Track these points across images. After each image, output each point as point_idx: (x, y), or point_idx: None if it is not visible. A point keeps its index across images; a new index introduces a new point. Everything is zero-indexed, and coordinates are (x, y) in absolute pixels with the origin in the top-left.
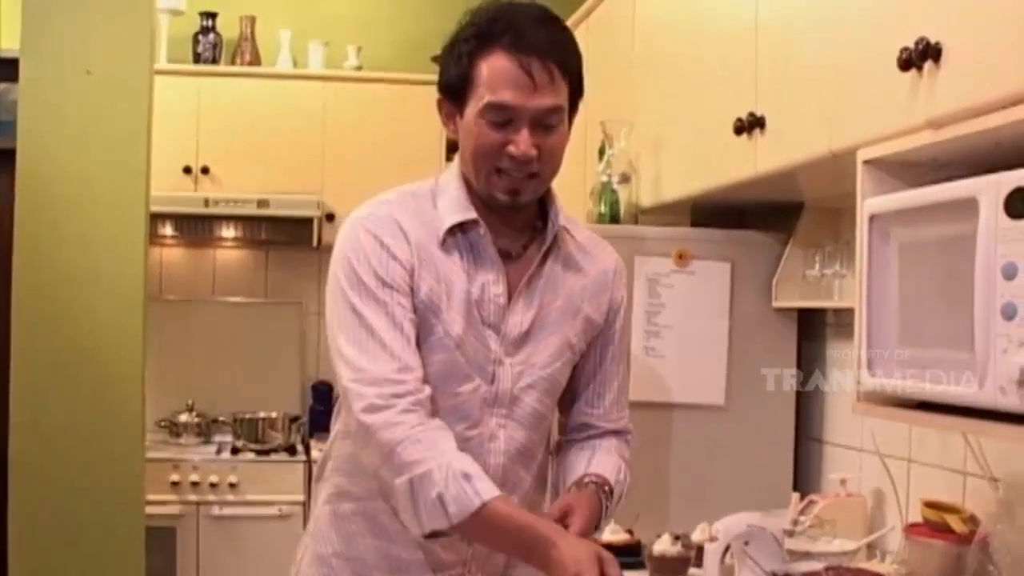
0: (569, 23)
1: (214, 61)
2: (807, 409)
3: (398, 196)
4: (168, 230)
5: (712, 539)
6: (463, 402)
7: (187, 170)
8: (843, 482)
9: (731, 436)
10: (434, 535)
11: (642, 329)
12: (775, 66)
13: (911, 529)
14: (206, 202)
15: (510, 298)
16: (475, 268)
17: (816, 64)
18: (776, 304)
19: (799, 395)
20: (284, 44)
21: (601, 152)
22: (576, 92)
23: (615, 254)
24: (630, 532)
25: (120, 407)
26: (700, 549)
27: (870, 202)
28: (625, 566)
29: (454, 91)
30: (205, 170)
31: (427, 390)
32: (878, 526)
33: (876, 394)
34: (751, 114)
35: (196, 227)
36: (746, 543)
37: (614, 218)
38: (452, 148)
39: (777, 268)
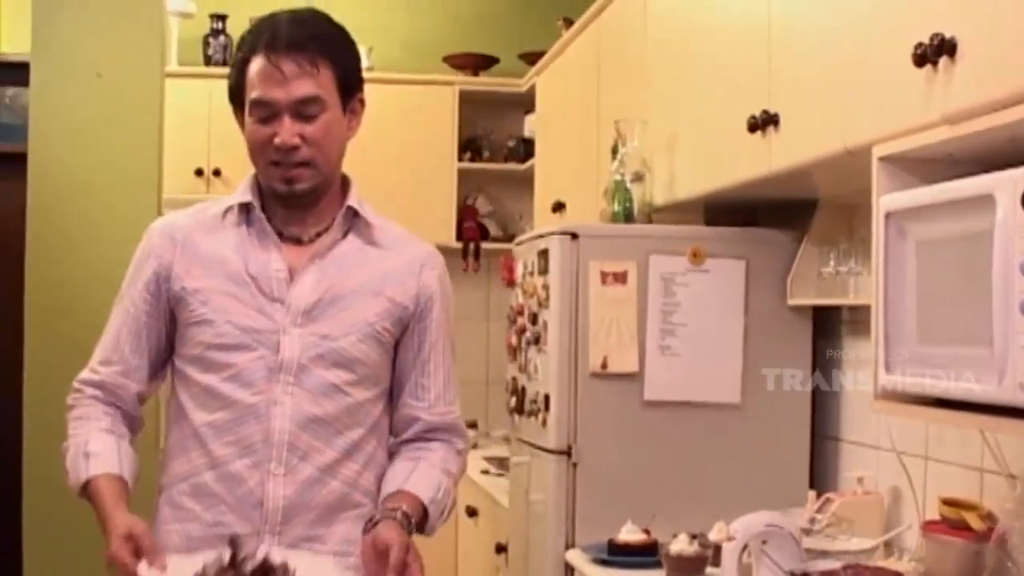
0: (579, 23)
1: (225, 63)
2: (823, 407)
3: (203, 204)
4: None
5: (730, 538)
6: (242, 370)
7: (199, 172)
8: (860, 480)
9: (747, 434)
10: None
11: (657, 328)
12: (788, 63)
13: (929, 527)
14: None
15: (293, 275)
16: (256, 248)
17: (830, 61)
18: (791, 302)
19: (815, 393)
20: None
21: (614, 151)
22: (347, 82)
23: (430, 248)
24: (647, 532)
25: None
26: (717, 548)
27: (886, 199)
28: (642, 566)
29: (235, 98)
30: (217, 172)
31: (120, 381)
32: (895, 524)
33: (894, 392)
34: (765, 111)
35: None
36: (764, 542)
37: (628, 217)
38: (464, 147)
39: (792, 266)
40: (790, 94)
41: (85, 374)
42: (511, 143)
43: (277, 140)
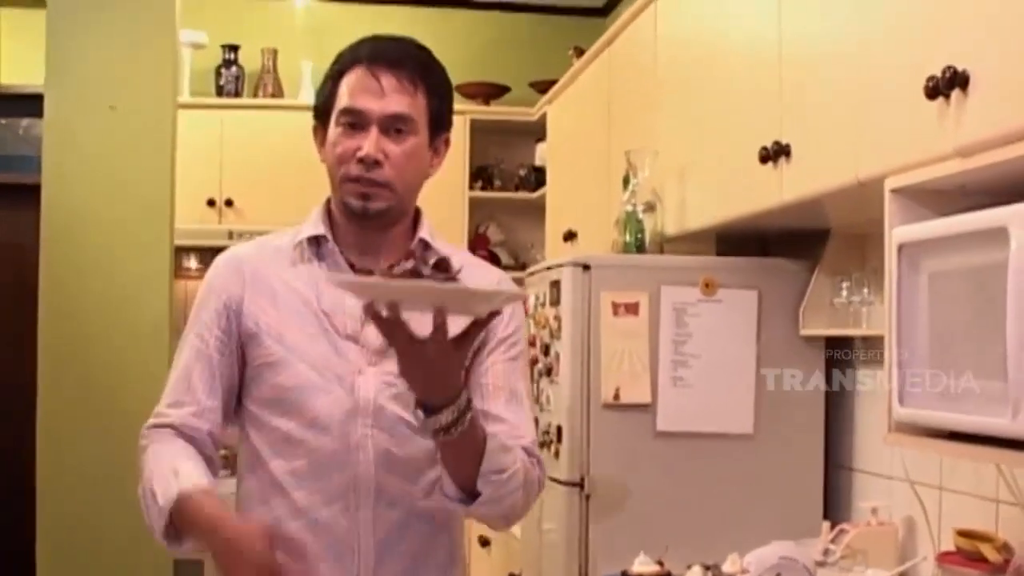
0: (590, 52)
1: (236, 94)
2: (836, 437)
3: (267, 236)
4: (193, 263)
5: (743, 571)
6: (321, 414)
7: (211, 203)
8: (874, 511)
9: (760, 465)
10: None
11: (670, 359)
12: (800, 94)
13: (944, 558)
14: (230, 234)
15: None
16: (329, 284)
17: (842, 91)
18: (804, 332)
19: (827, 423)
20: (306, 75)
21: (626, 181)
22: (439, 116)
23: (502, 275)
24: (660, 563)
25: None
26: None
27: (899, 231)
28: None
29: (322, 114)
30: (229, 202)
31: (194, 423)
32: (910, 555)
33: (907, 424)
34: (777, 142)
35: None
36: (778, 575)
37: (640, 247)
38: (475, 176)
39: (804, 296)
40: (802, 125)
41: (154, 419)
42: (522, 172)
43: (361, 152)
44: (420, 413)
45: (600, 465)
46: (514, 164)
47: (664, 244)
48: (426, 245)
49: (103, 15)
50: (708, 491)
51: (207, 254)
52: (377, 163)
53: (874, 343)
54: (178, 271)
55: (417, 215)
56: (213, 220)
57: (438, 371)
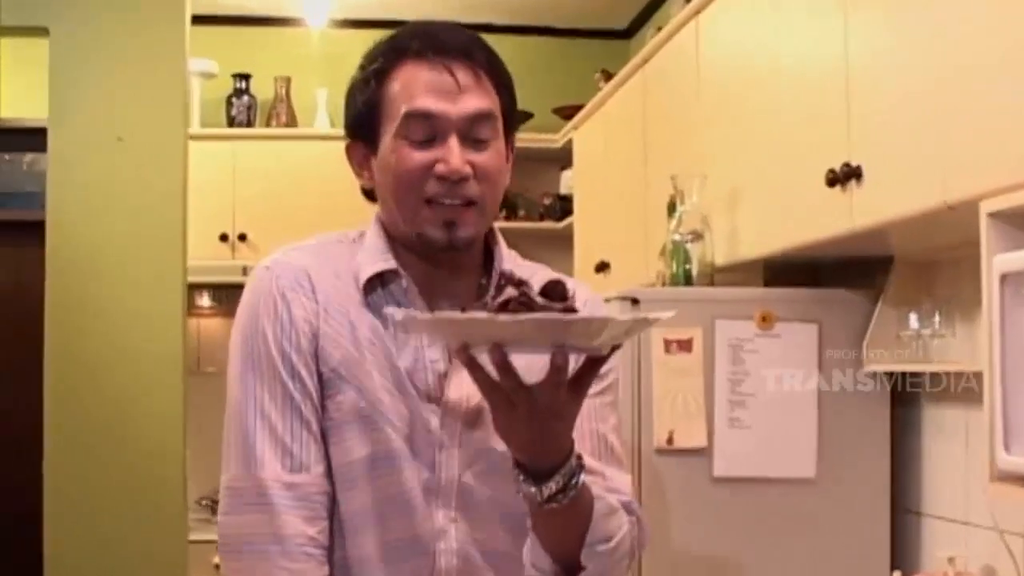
0: (622, 74)
1: (249, 124)
2: (903, 480)
3: (316, 242)
4: (206, 300)
5: None
6: (398, 493)
7: (223, 237)
8: (951, 560)
9: (823, 511)
10: None
11: (726, 399)
12: (871, 112)
13: None
14: (244, 270)
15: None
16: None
17: (922, 107)
18: (868, 368)
19: (894, 465)
20: (321, 104)
21: (671, 208)
22: (510, 115)
23: (591, 294)
24: None
25: (161, 488)
26: None
27: (1000, 259)
28: None
29: (364, 126)
30: (242, 237)
31: (324, 485)
32: None
33: (1014, 475)
34: (846, 164)
35: (234, 296)
36: None
37: (687, 279)
38: (505, 204)
39: (867, 329)
40: (875, 145)
41: (281, 491)
42: (547, 201)
43: (442, 167)
44: (521, 479)
45: (653, 514)
46: (538, 193)
47: (714, 275)
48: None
49: (109, 43)
50: (769, 539)
51: (220, 291)
52: (464, 178)
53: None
54: (191, 309)
55: (491, 235)
56: (226, 255)
57: (550, 427)
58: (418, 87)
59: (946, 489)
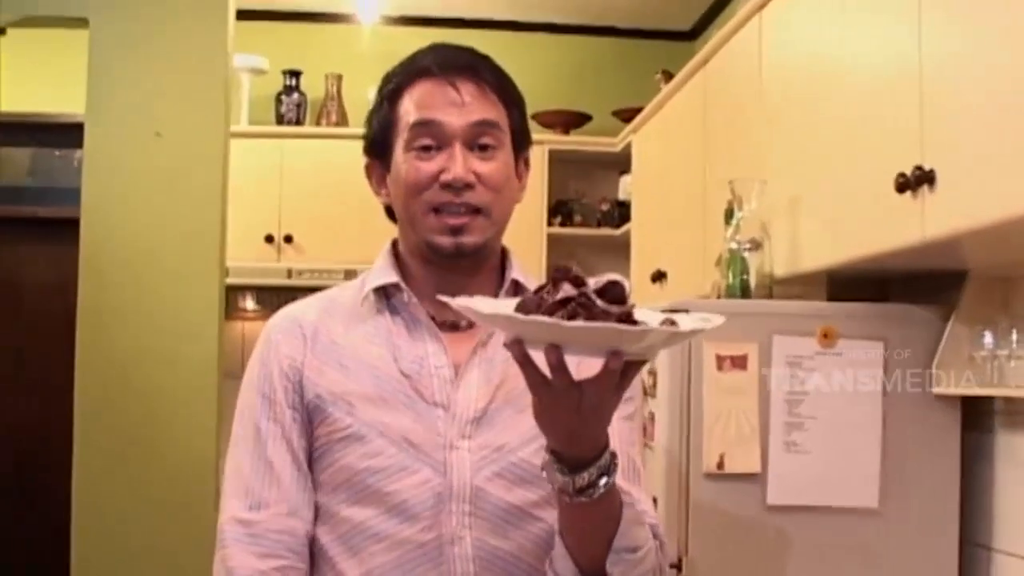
0: (681, 75)
1: (298, 122)
2: (972, 511)
3: (326, 291)
4: (249, 303)
5: None
6: (408, 499)
7: (269, 239)
8: None
9: (886, 543)
10: None
11: (782, 421)
12: (946, 112)
13: None
14: (289, 273)
15: (457, 371)
16: (407, 340)
17: (1005, 104)
18: (937, 390)
19: (963, 496)
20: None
21: (728, 215)
22: (520, 131)
23: None
24: None
25: (192, 499)
26: None
27: None
28: None
29: (379, 144)
30: (288, 239)
31: (289, 525)
32: None
33: None
34: (918, 168)
35: (279, 299)
36: None
37: (744, 290)
38: (554, 211)
39: (937, 348)
40: (950, 147)
41: (237, 528)
42: (605, 207)
43: (446, 176)
44: (556, 468)
45: (701, 544)
46: (596, 198)
47: (773, 287)
48: (518, 287)
49: (149, 35)
50: (827, 574)
51: (265, 293)
52: (467, 186)
53: (1019, 404)
54: (234, 312)
55: (504, 254)
56: (271, 257)
57: (592, 422)
58: (425, 101)
59: (1018, 521)
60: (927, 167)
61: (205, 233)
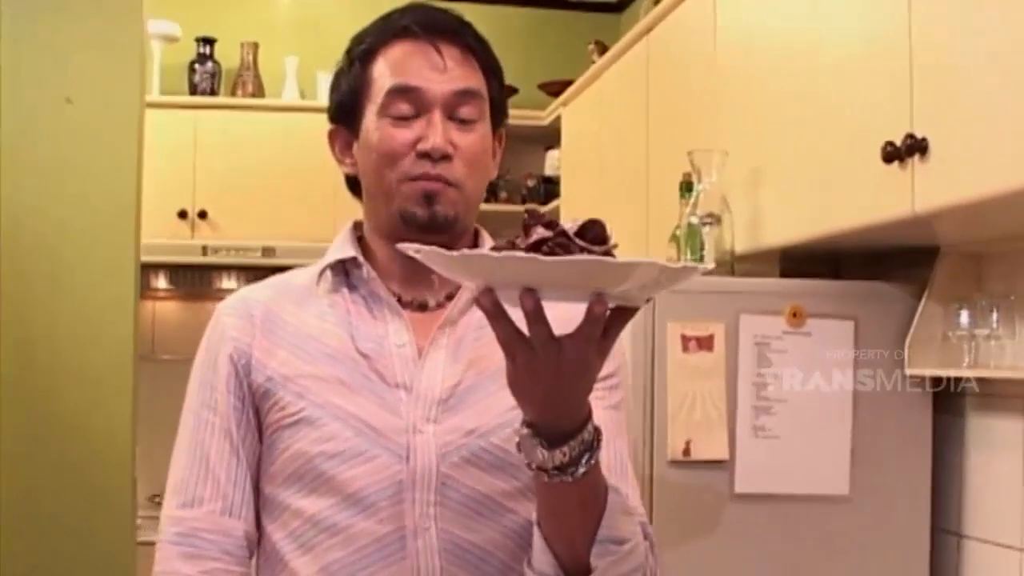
0: (620, 44)
1: (212, 92)
2: (943, 498)
3: (282, 275)
4: (161, 282)
5: None
6: (363, 488)
7: (182, 214)
8: None
9: (857, 531)
10: None
11: (750, 405)
12: (940, 77)
13: None
14: (204, 250)
15: (420, 351)
16: (367, 318)
17: (1003, 68)
18: (910, 371)
19: (935, 481)
20: (290, 73)
21: (686, 188)
22: (498, 104)
23: None
24: None
25: (108, 483)
26: None
27: None
28: None
29: (347, 109)
30: (203, 214)
31: (224, 524)
32: None
33: None
34: (910, 136)
35: (193, 278)
36: None
37: None
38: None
39: (909, 327)
40: (943, 115)
41: (167, 526)
42: (531, 183)
43: (424, 145)
44: (533, 443)
45: (667, 534)
46: (521, 174)
47: (735, 264)
48: None
49: None
50: (796, 563)
51: (178, 272)
52: (446, 157)
53: (991, 385)
54: (145, 291)
55: (477, 233)
56: (185, 234)
57: (573, 384)
58: (403, 63)
59: (990, 508)
60: (919, 135)
61: (119, 206)
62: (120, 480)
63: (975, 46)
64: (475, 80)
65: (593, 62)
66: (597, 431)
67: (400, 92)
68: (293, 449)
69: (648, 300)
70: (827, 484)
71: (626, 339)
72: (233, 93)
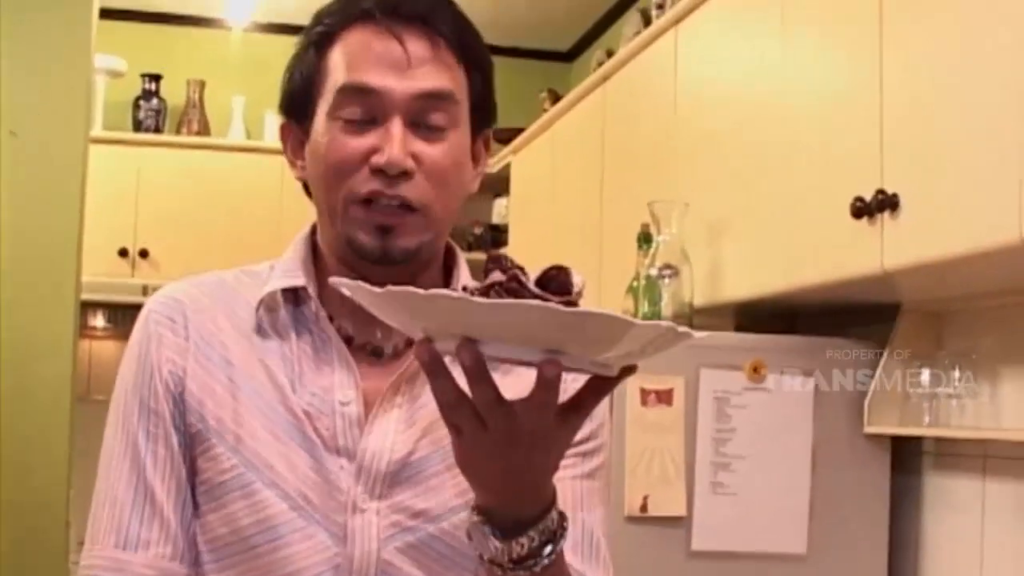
0: (574, 93)
1: (157, 130)
2: (900, 557)
3: (217, 273)
4: (100, 321)
5: None
6: (299, 571)
7: (123, 252)
8: None
9: None
10: None
11: (709, 461)
12: (909, 133)
13: None
14: (144, 289)
15: (369, 410)
16: (310, 364)
17: (973, 128)
18: (870, 429)
19: (892, 540)
20: (237, 112)
21: (644, 240)
22: (482, 102)
23: None
24: None
25: (43, 525)
26: None
27: None
28: None
29: (298, 102)
30: (144, 253)
31: (171, 570)
32: None
33: None
34: (881, 192)
35: (132, 317)
36: None
37: (656, 320)
38: None
39: (869, 384)
40: (913, 171)
41: (102, 570)
42: (477, 230)
43: (378, 159)
44: (486, 532)
45: None
46: (468, 221)
47: (693, 318)
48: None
49: (7, 25)
50: None
51: (117, 311)
52: (405, 174)
53: (948, 445)
54: (83, 330)
55: (450, 254)
56: (125, 272)
57: (530, 461)
58: (359, 56)
59: (951, 569)
60: (890, 191)
61: (60, 243)
62: (55, 521)
63: (947, 102)
64: (447, 79)
65: (545, 110)
66: (562, 517)
67: (353, 92)
68: (222, 513)
69: (630, 370)
70: (785, 542)
71: None
72: (178, 131)
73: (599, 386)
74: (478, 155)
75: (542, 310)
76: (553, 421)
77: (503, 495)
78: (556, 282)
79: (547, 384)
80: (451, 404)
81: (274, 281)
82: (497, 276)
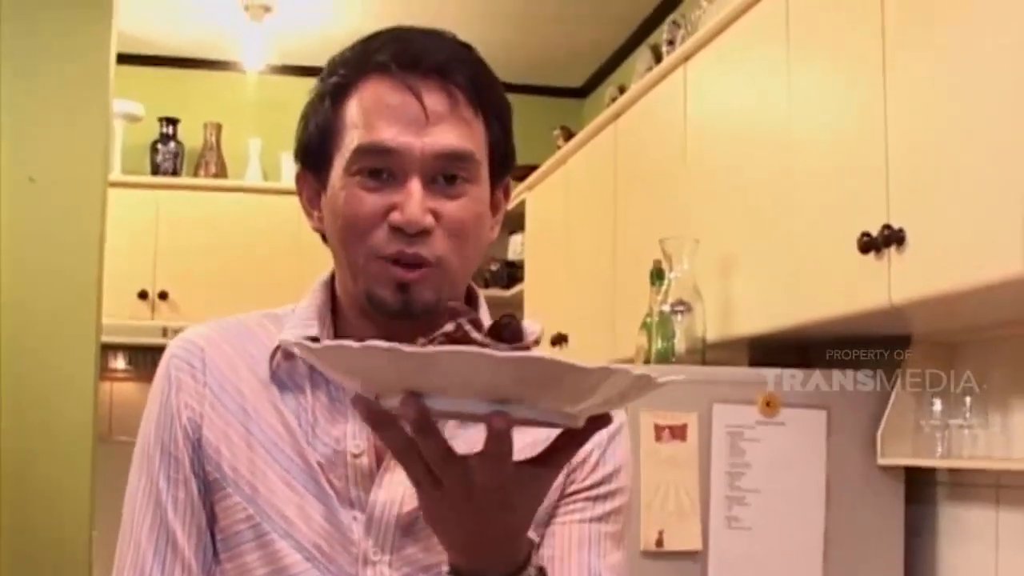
0: (587, 130)
1: (175, 172)
2: None
3: (238, 317)
4: (120, 363)
5: None
6: None
7: (143, 295)
8: None
9: None
10: None
11: (723, 495)
12: (916, 168)
13: None
14: (164, 331)
15: (381, 461)
16: (324, 415)
17: (978, 163)
18: (882, 461)
19: (907, 572)
20: (253, 154)
21: (656, 276)
22: (501, 154)
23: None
24: None
25: (65, 566)
26: None
27: None
28: None
29: (316, 154)
30: (163, 295)
31: None
32: None
33: None
34: (887, 227)
35: (152, 359)
36: None
37: (668, 356)
38: None
39: (882, 416)
40: (920, 206)
41: None
42: (493, 267)
43: (397, 217)
44: None
45: None
46: (485, 258)
47: (706, 352)
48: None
49: (25, 74)
50: None
51: (137, 353)
52: (424, 232)
53: (963, 476)
54: (103, 371)
55: (471, 297)
56: (145, 315)
57: (493, 518)
58: (376, 112)
59: None
60: (896, 226)
61: (81, 287)
62: (78, 563)
63: (951, 137)
64: (466, 136)
65: (559, 147)
66: (541, 572)
67: (371, 151)
68: (238, 562)
69: (601, 421)
70: (800, 575)
71: None
72: (196, 174)
73: (569, 438)
74: (497, 204)
75: (475, 356)
76: (513, 475)
77: (468, 552)
78: (509, 330)
79: (498, 437)
80: (403, 456)
81: (288, 330)
82: (448, 328)
